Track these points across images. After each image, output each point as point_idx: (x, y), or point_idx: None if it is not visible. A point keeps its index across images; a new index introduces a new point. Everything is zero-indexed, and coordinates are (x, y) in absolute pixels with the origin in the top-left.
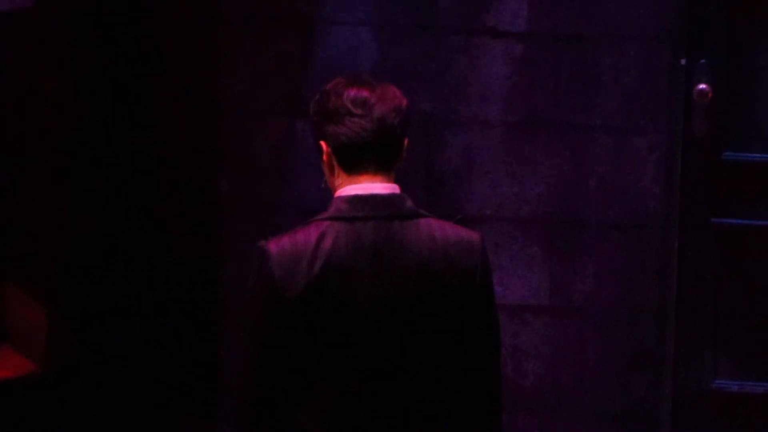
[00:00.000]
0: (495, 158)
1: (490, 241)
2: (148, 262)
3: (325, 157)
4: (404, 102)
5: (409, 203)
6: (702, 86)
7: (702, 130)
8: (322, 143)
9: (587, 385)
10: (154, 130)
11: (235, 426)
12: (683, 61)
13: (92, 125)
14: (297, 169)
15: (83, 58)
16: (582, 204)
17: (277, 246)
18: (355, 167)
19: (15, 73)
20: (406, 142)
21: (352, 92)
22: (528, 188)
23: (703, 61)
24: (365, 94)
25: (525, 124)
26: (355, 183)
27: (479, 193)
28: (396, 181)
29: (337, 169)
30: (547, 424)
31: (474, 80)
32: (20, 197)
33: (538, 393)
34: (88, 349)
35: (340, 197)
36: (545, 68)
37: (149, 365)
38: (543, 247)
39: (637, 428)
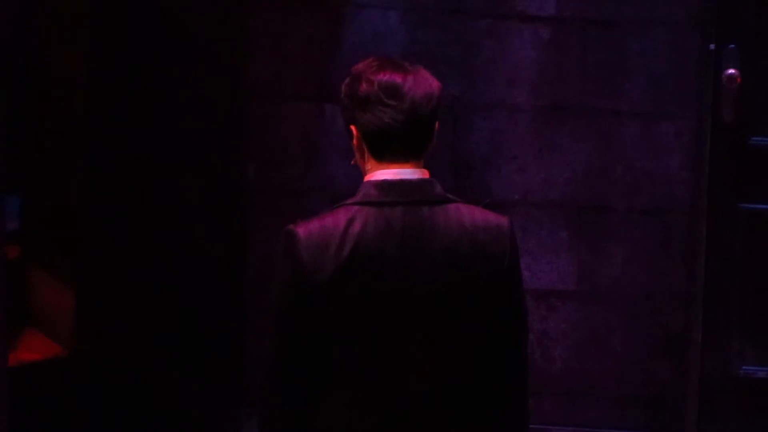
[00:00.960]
0: (522, 143)
1: (517, 225)
2: (173, 246)
3: (355, 142)
4: (436, 89)
5: (439, 188)
6: (731, 71)
7: (730, 115)
8: (352, 128)
9: (614, 370)
10: (180, 113)
11: (259, 409)
12: (712, 46)
13: (118, 109)
14: (324, 153)
15: (110, 40)
16: (609, 189)
17: (305, 230)
18: (385, 155)
19: (41, 54)
20: (437, 125)
21: (384, 79)
22: (555, 173)
23: (732, 46)
24: (398, 81)
25: (553, 108)
26: (385, 168)
27: (506, 178)
28: (424, 165)
29: (366, 154)
30: (573, 410)
31: (502, 64)
32: (46, 181)
33: (565, 378)
34: (114, 331)
35: (369, 182)
36: (573, 53)
37: (174, 348)
38: (570, 232)
39: (664, 414)
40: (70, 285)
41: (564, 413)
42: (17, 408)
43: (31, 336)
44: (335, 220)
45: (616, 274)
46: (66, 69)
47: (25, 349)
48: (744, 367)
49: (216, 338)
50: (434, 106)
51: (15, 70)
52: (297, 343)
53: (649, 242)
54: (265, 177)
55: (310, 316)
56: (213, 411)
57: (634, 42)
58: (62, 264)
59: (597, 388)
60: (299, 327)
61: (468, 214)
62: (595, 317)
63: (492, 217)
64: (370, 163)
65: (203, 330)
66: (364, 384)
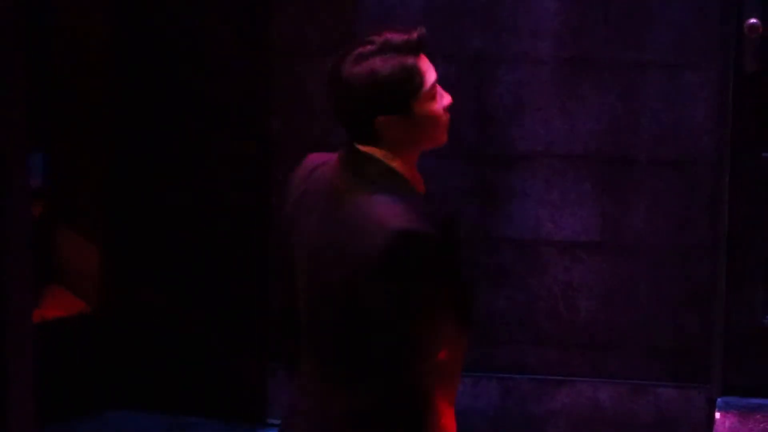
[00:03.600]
0: (546, 95)
1: (541, 178)
2: (199, 201)
3: None
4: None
5: (378, 168)
6: (753, 21)
7: (753, 64)
8: None
9: (639, 321)
10: (204, 69)
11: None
12: None
13: (143, 66)
14: None
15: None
16: (633, 141)
17: (311, 159)
18: None
19: (66, 16)
20: (389, 119)
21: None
22: (579, 125)
23: None
24: (334, 76)
25: (576, 60)
26: None
27: (530, 130)
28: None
29: None
30: (599, 361)
31: (524, 16)
32: (71, 139)
33: (590, 330)
34: (138, 287)
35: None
36: (596, 4)
37: (199, 303)
38: (594, 183)
39: (689, 365)
40: (95, 241)
41: (589, 364)
42: (42, 364)
43: (55, 293)
44: (324, 159)
45: (641, 226)
46: (91, 26)
47: (49, 306)
48: None
49: (241, 294)
50: (366, 100)
51: (39, 27)
52: (281, 280)
53: (673, 193)
54: (289, 132)
55: (283, 251)
56: (238, 365)
57: None
58: (87, 221)
59: (622, 340)
60: (280, 261)
61: (373, 206)
62: (619, 269)
63: (384, 219)
64: None
65: (228, 285)
66: (301, 328)
